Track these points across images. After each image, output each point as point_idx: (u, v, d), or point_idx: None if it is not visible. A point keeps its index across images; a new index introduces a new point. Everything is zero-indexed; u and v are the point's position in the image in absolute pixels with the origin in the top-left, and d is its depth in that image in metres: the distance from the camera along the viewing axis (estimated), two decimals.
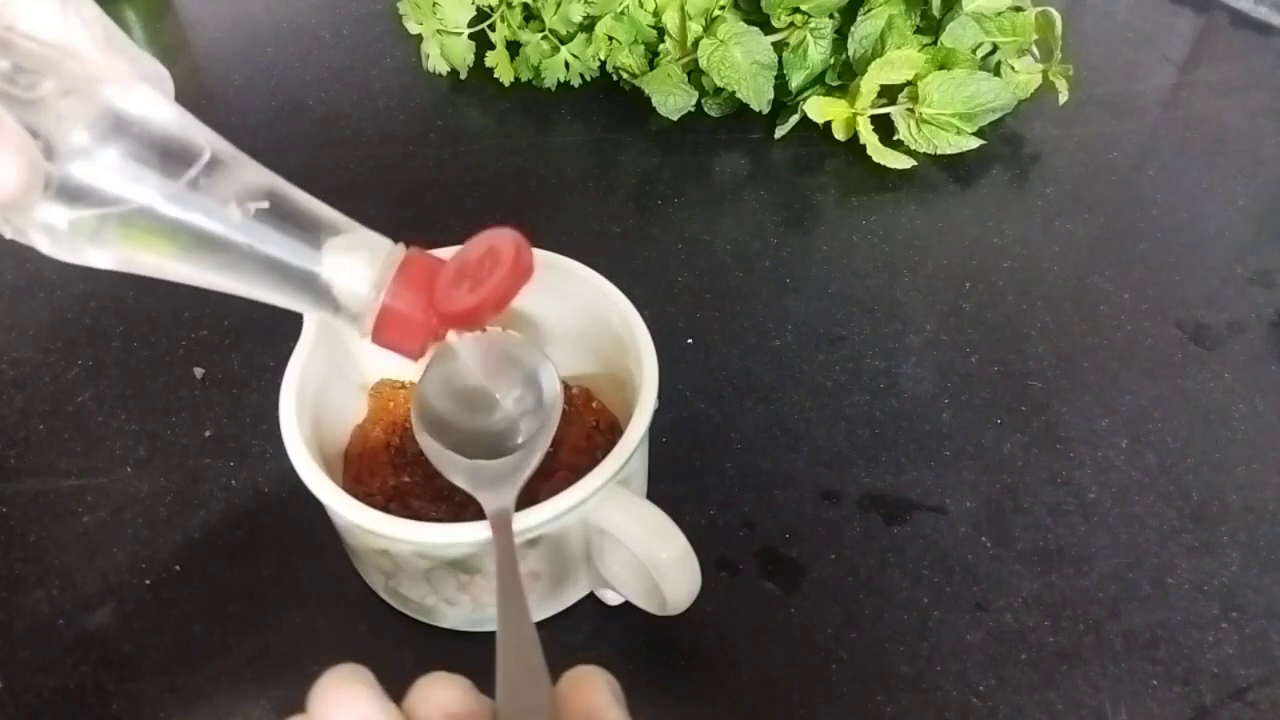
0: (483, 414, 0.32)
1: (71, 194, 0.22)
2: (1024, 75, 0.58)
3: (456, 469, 0.30)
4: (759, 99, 0.56)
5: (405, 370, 0.39)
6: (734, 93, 0.56)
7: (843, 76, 0.58)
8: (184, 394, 0.44)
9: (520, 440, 0.30)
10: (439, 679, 0.20)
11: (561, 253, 0.36)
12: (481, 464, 0.30)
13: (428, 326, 0.26)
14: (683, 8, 0.57)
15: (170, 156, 0.23)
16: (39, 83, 0.21)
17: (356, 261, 0.25)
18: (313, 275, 0.25)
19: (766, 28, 0.56)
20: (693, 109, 0.59)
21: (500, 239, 0.27)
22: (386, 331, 0.26)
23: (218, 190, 0.23)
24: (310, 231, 0.25)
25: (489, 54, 0.61)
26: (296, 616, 0.36)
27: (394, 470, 0.36)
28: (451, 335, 0.28)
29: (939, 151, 0.56)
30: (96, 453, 0.41)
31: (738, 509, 0.40)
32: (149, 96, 0.23)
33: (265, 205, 0.24)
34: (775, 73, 0.56)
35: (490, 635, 0.23)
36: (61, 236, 0.23)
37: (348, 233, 0.26)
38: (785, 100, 0.58)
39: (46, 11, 0.22)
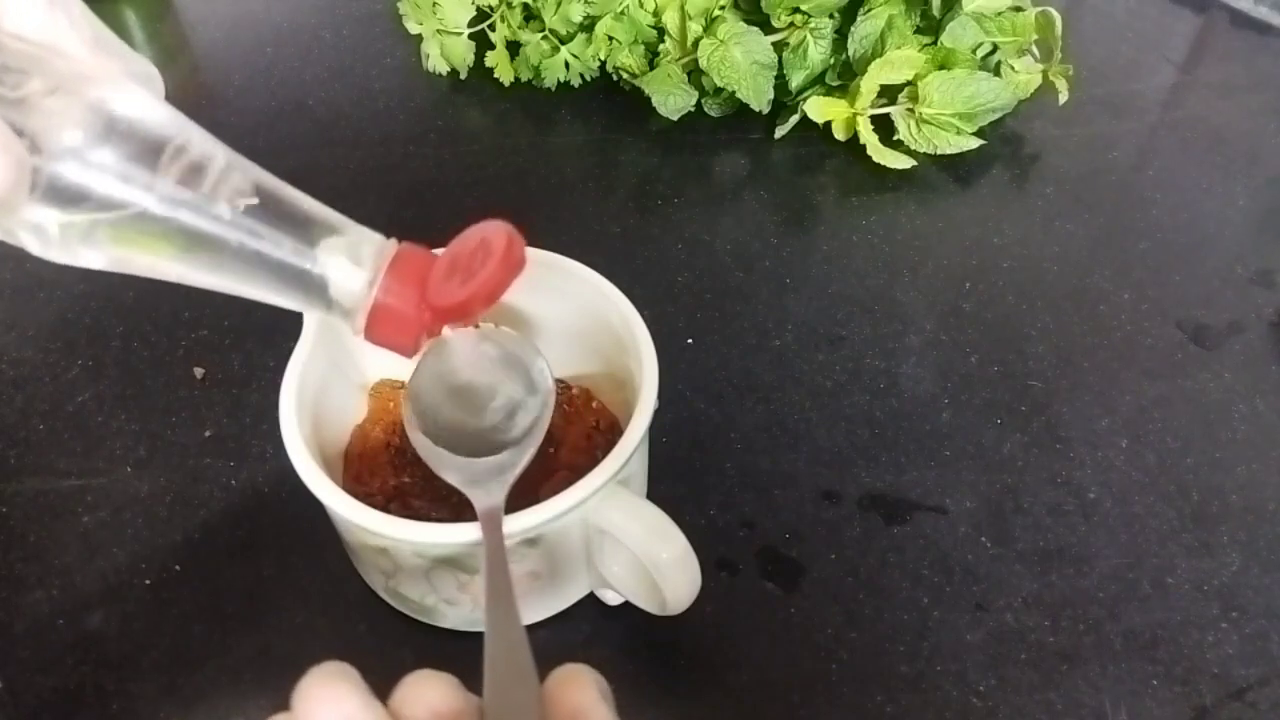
0: (474, 411, 0.32)
1: (60, 195, 0.22)
2: (1024, 75, 0.58)
3: (448, 466, 0.30)
4: (759, 99, 0.56)
5: (405, 370, 0.39)
6: (734, 93, 0.56)
7: (843, 76, 0.58)
8: (184, 394, 0.44)
9: (512, 437, 0.30)
10: (426, 677, 0.20)
11: (561, 253, 0.36)
12: (472, 461, 0.30)
13: (420, 321, 0.26)
14: (683, 8, 0.57)
15: (160, 155, 0.22)
16: (25, 82, 0.21)
17: (348, 257, 0.25)
18: (304, 272, 0.25)
19: (766, 28, 0.56)
20: (693, 109, 0.59)
21: (492, 231, 0.27)
22: (379, 328, 0.26)
23: (208, 188, 0.23)
24: (302, 228, 0.25)
25: (489, 54, 0.61)
26: (296, 616, 0.36)
27: (394, 470, 0.36)
28: (445, 331, 0.28)
29: (939, 151, 0.56)
30: (96, 453, 0.41)
31: (738, 509, 0.40)
32: (138, 95, 0.23)
33: (255, 201, 0.24)
34: (775, 73, 0.56)
35: None
36: (51, 238, 0.23)
37: (340, 228, 0.26)
38: (785, 100, 0.58)
39: (33, 10, 0.22)
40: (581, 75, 0.61)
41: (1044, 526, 0.39)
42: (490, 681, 0.21)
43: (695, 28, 0.57)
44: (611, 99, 0.61)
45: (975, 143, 0.56)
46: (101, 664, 0.35)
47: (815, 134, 0.58)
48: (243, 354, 0.45)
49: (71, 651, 0.35)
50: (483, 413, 0.31)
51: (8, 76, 0.21)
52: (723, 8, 0.57)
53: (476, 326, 0.35)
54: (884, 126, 0.56)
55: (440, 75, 0.63)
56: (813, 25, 0.56)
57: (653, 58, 0.60)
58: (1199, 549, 0.39)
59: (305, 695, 0.19)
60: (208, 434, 0.42)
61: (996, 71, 0.57)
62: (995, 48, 0.58)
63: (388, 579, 0.34)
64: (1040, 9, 0.58)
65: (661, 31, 0.59)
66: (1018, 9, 0.57)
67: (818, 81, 0.58)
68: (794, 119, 0.57)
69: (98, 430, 0.42)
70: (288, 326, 0.34)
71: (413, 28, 0.64)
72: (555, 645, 0.35)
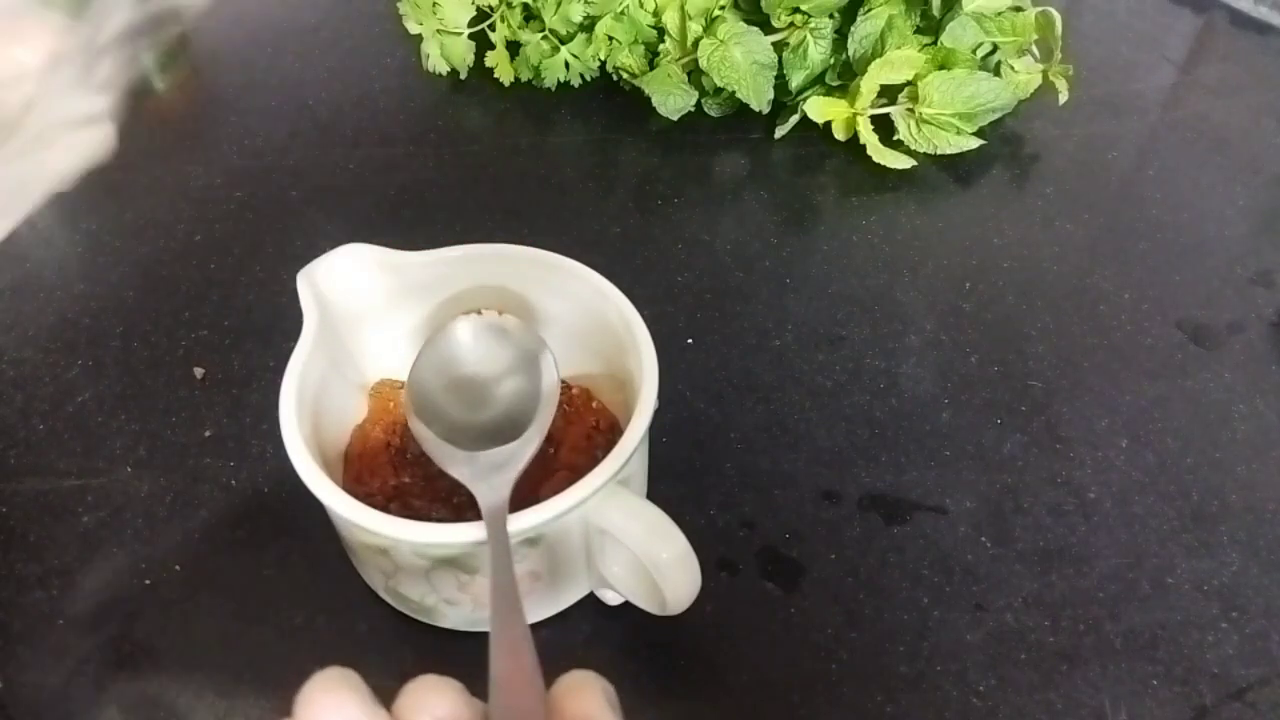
0: (478, 402, 0.31)
1: None
2: (1024, 75, 0.58)
3: (451, 460, 0.29)
4: (759, 99, 0.56)
5: (405, 370, 0.39)
6: (734, 93, 0.56)
7: (843, 76, 0.58)
8: (184, 394, 0.44)
9: (517, 428, 0.30)
10: (430, 682, 0.20)
11: (561, 253, 0.36)
12: (476, 454, 0.30)
13: None
14: (683, 8, 0.57)
15: None
16: None
17: None
18: None
19: (766, 28, 0.56)
20: (693, 109, 0.58)
21: None
22: None
23: None
24: None
25: (489, 54, 0.61)
26: (296, 616, 0.36)
27: (394, 470, 0.36)
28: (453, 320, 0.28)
29: (939, 151, 0.56)
30: (96, 453, 0.41)
31: (738, 509, 0.40)
32: None
33: None
34: (775, 73, 0.56)
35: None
36: None
37: None
38: (785, 100, 0.58)
39: None
40: (581, 75, 0.61)
41: (1044, 526, 0.39)
42: (495, 685, 0.21)
43: (695, 28, 0.57)
44: (611, 99, 0.61)
45: (975, 143, 0.56)
46: (101, 664, 0.35)
47: (815, 134, 0.58)
48: (243, 354, 0.45)
49: (71, 651, 0.35)
50: (486, 404, 0.31)
51: None
52: (723, 8, 0.57)
53: (479, 313, 0.35)
54: (884, 126, 0.56)
55: (440, 75, 0.63)
56: (813, 25, 0.56)
57: (653, 58, 0.60)
58: (1199, 549, 0.39)
59: (307, 701, 0.19)
60: (208, 434, 0.42)
61: (996, 71, 0.57)
62: (995, 48, 0.58)
63: (388, 579, 0.34)
64: (1040, 9, 0.57)
65: (661, 31, 0.59)
66: (1018, 9, 0.57)
67: (818, 81, 0.58)
68: (794, 119, 0.57)
69: (98, 430, 0.42)
70: (288, 326, 0.34)
71: (413, 28, 0.64)
72: (555, 645, 0.35)
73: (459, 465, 0.29)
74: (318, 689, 0.19)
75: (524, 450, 0.29)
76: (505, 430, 0.31)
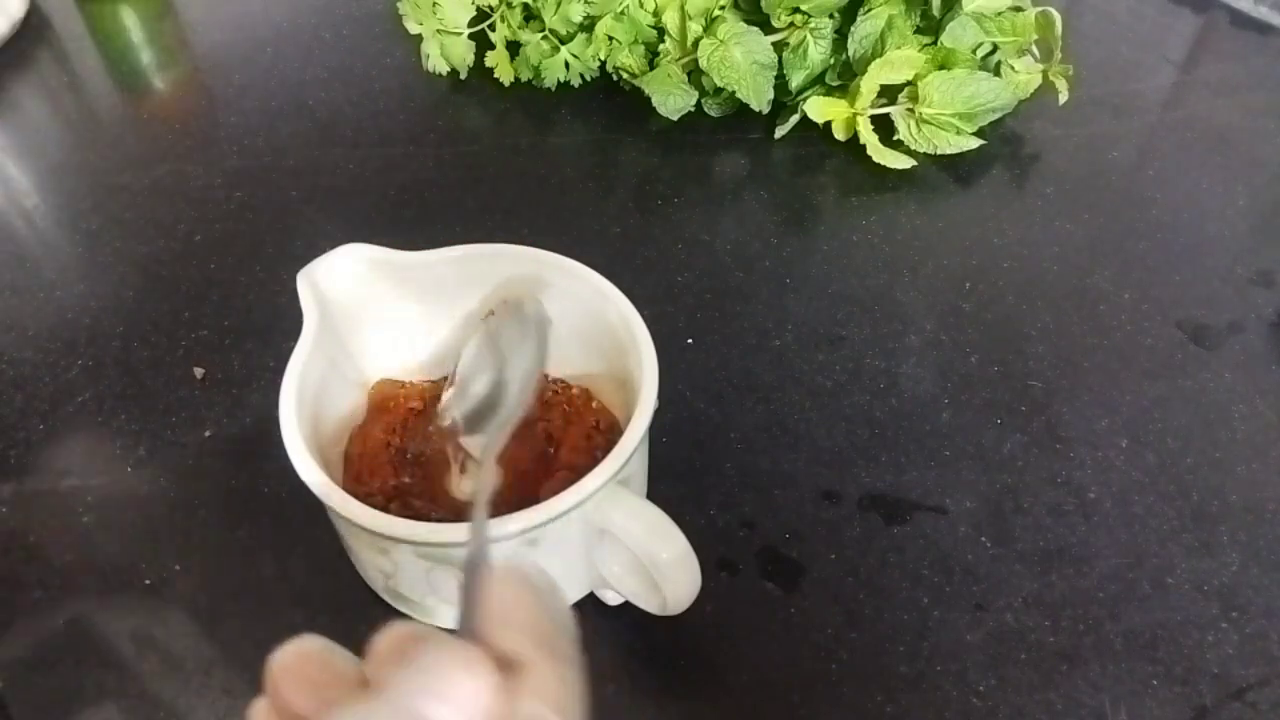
0: (498, 391, 0.33)
1: None
2: (1024, 75, 0.58)
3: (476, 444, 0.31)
4: (759, 99, 0.56)
5: (405, 370, 0.39)
6: (734, 93, 0.56)
7: (843, 76, 0.58)
8: (184, 394, 0.44)
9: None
10: (400, 630, 0.20)
11: (561, 253, 0.36)
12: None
13: None
14: (683, 8, 0.57)
15: None
16: None
17: None
18: None
19: (766, 28, 0.56)
20: (693, 109, 0.59)
21: None
22: None
23: None
24: None
25: (489, 54, 0.61)
26: (296, 616, 0.36)
27: (394, 470, 0.36)
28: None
29: (939, 151, 0.56)
30: (96, 453, 0.41)
31: (738, 509, 0.40)
32: None
33: None
34: (775, 73, 0.56)
35: None
36: None
37: None
38: (785, 100, 0.58)
39: None
40: (581, 75, 0.61)
41: (1044, 526, 0.39)
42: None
43: (695, 28, 0.57)
44: (611, 99, 0.61)
45: (975, 143, 0.56)
46: (101, 664, 0.35)
47: (815, 134, 0.58)
48: (243, 354, 0.45)
49: (71, 651, 0.35)
50: (502, 391, 0.33)
51: None
52: (723, 8, 0.57)
53: (491, 314, 0.35)
54: (884, 126, 0.56)
55: (440, 75, 0.63)
56: (813, 25, 0.56)
57: (653, 58, 0.60)
58: (1199, 549, 0.39)
59: (278, 670, 0.20)
60: (208, 434, 0.42)
61: (996, 71, 0.57)
62: (995, 48, 0.58)
63: (388, 579, 0.34)
64: (1040, 9, 0.58)
65: (661, 31, 0.59)
66: (1018, 9, 0.57)
67: (818, 81, 0.58)
68: (794, 119, 0.57)
69: (98, 430, 0.42)
70: (288, 326, 0.34)
71: (413, 28, 0.64)
72: None
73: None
74: (289, 654, 0.19)
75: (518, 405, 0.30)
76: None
